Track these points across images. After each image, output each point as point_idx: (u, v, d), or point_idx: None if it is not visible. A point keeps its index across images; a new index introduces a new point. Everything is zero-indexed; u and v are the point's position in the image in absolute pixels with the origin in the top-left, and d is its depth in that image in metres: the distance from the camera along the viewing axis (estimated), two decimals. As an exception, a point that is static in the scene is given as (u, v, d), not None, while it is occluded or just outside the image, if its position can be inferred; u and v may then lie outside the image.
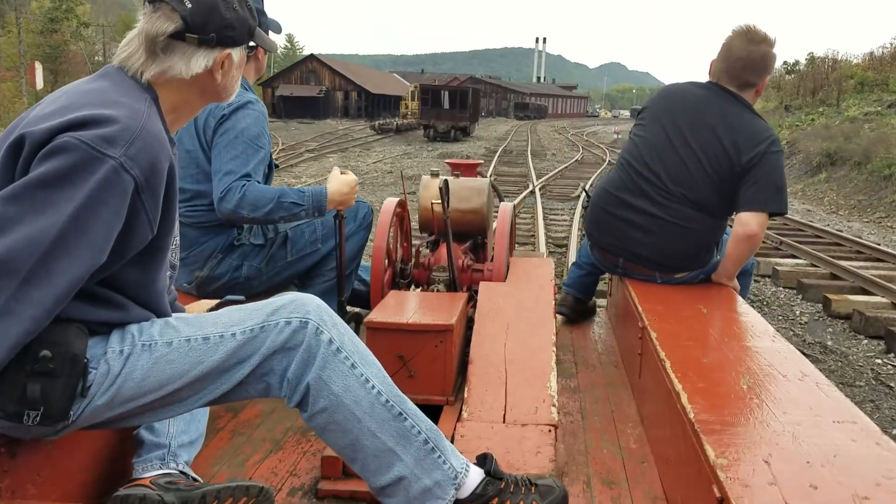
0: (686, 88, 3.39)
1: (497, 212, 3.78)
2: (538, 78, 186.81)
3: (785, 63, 37.81)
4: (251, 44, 1.80)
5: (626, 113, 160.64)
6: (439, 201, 3.18)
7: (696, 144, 3.19)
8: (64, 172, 1.43)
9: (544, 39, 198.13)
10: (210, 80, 1.71)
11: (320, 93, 73.87)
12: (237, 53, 1.75)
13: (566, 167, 23.07)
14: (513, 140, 39.59)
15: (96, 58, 50.49)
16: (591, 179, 18.52)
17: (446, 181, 3.14)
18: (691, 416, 1.87)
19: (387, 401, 1.71)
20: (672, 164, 3.25)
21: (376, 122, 46.44)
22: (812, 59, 35.51)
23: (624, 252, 3.41)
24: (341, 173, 2.99)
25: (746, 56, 3.17)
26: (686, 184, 3.20)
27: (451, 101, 41.21)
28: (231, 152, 2.78)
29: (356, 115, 72.76)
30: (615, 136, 49.52)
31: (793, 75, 36.54)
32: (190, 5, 1.62)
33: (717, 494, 1.53)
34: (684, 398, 1.98)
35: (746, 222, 3.10)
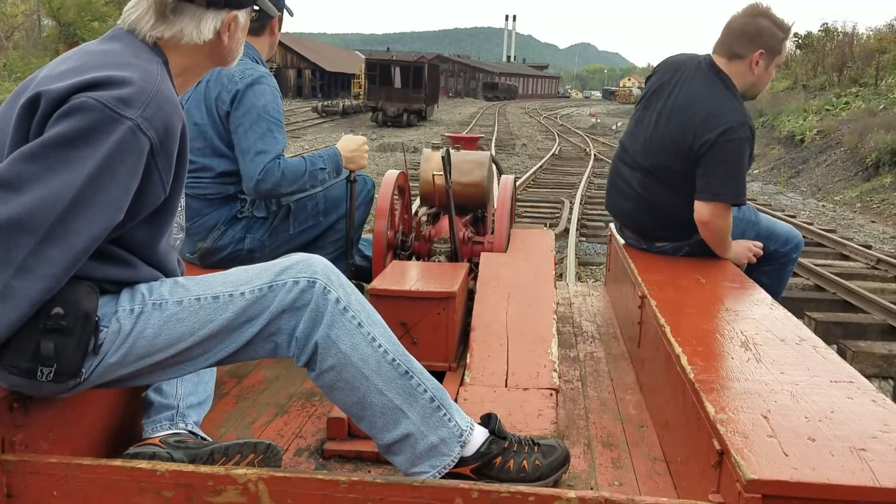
0: (682, 61, 3.38)
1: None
2: (508, 57, 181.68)
3: (795, 36, 30.84)
4: (255, 7, 1.82)
5: (598, 94, 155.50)
6: (440, 173, 3.20)
7: (666, 121, 3.23)
8: (82, 132, 1.46)
9: (514, 17, 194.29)
10: (218, 42, 1.73)
11: (270, 70, 69.47)
12: (243, 16, 1.77)
13: (541, 167, 18.32)
14: (477, 126, 33.98)
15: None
16: (580, 190, 13.57)
17: (448, 150, 3.16)
18: (691, 376, 1.91)
19: (393, 359, 1.74)
20: (644, 139, 3.33)
21: (319, 104, 40.79)
22: (827, 31, 30.13)
23: (617, 215, 3.57)
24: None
25: (739, 27, 3.16)
26: (653, 159, 3.28)
27: (404, 78, 35.01)
28: (257, 131, 2.82)
29: (310, 95, 66.77)
30: (592, 119, 45.52)
31: (804, 49, 30.81)
32: None
33: (717, 447, 1.58)
34: (684, 360, 2.02)
35: (698, 210, 3.12)
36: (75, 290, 1.54)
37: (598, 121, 42.61)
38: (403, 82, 34.99)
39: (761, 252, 3.31)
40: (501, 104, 73.07)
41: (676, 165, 3.19)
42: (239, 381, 2.65)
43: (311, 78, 71.66)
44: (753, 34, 3.14)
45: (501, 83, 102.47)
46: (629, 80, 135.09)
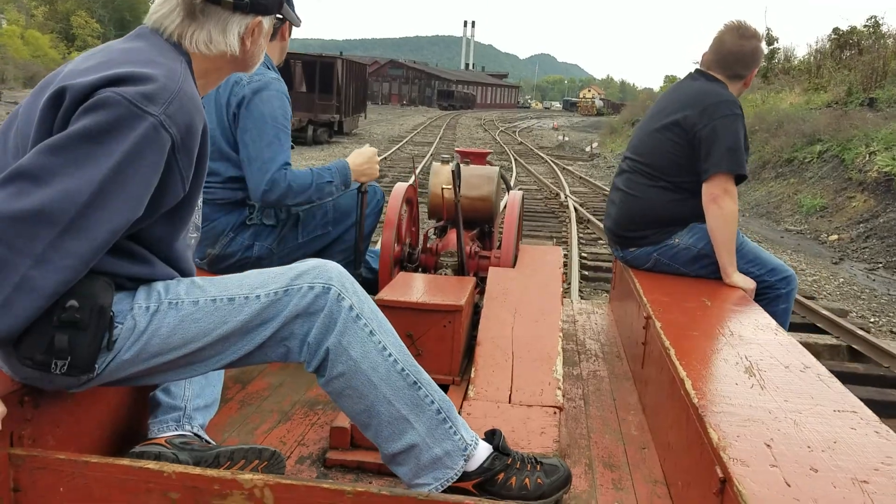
0: (680, 82, 3.60)
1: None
2: (467, 65, 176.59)
3: (836, 33, 24.75)
4: (278, 15, 1.85)
5: (558, 105, 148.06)
6: (450, 187, 3.21)
7: (659, 114, 3.43)
8: (105, 127, 1.47)
9: (473, 23, 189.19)
10: (241, 47, 1.76)
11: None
12: (267, 22, 1.80)
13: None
14: (410, 144, 27.62)
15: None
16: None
17: (458, 165, 3.17)
18: (695, 401, 1.92)
19: (402, 369, 1.76)
20: (639, 139, 3.52)
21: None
22: (876, 26, 23.45)
23: (605, 224, 3.69)
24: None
25: (738, 50, 3.34)
26: (645, 153, 3.43)
27: (308, 79, 26.49)
28: (265, 138, 2.80)
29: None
30: (557, 135, 38.35)
31: (848, 50, 24.03)
32: None
33: (720, 475, 1.59)
34: (688, 384, 2.03)
35: (706, 188, 3.22)
36: (92, 285, 1.55)
37: (566, 138, 35.59)
38: (308, 84, 26.57)
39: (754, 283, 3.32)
40: (456, 114, 68.05)
41: (667, 155, 3.32)
42: (243, 387, 2.66)
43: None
44: (755, 58, 3.35)
45: (458, 91, 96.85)
46: (589, 91, 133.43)
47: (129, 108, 1.49)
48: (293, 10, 2.92)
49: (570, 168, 21.95)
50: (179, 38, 1.69)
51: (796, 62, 28.03)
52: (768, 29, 29.90)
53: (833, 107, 19.07)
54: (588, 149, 28.81)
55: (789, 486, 1.51)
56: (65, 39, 68.67)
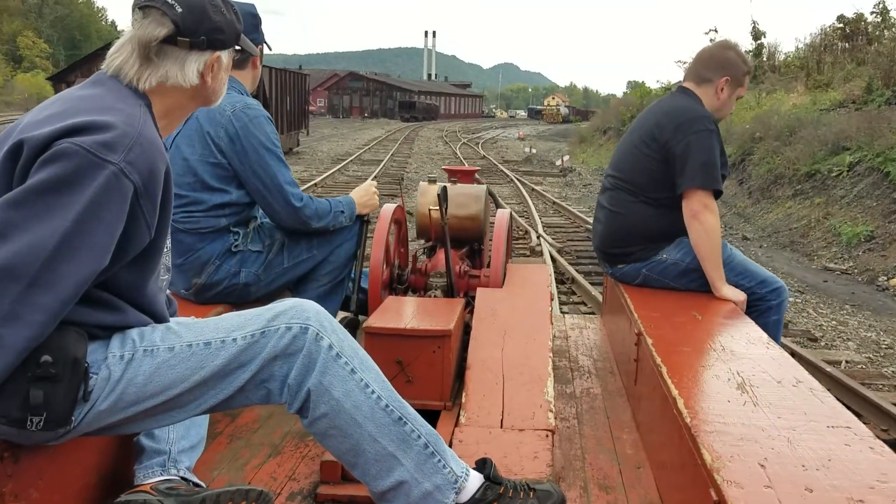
0: (660, 98, 3.69)
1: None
2: (429, 75, 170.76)
3: (841, 20, 22.06)
4: (237, 47, 1.84)
5: (523, 113, 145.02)
6: (437, 208, 3.20)
7: (638, 130, 3.47)
8: (65, 178, 1.46)
9: (434, 33, 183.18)
10: (202, 84, 1.75)
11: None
12: (226, 56, 1.79)
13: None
14: (356, 163, 25.12)
15: None
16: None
17: (445, 188, 3.18)
18: (687, 420, 1.90)
19: (387, 405, 1.74)
20: (619, 156, 3.56)
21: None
22: (884, 12, 21.07)
23: (594, 242, 3.73)
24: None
25: (709, 54, 3.45)
26: (625, 170, 3.46)
27: None
28: (273, 164, 2.90)
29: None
30: (524, 146, 34.91)
31: (854, 40, 21.31)
32: (180, 10, 1.66)
33: (714, 497, 1.57)
34: (680, 403, 2.01)
35: (686, 205, 3.25)
36: (64, 337, 1.52)
37: (533, 150, 32.12)
38: None
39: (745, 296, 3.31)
40: (418, 126, 64.27)
41: (646, 171, 3.36)
42: (232, 420, 2.63)
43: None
44: (721, 62, 3.39)
45: (420, 102, 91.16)
46: (553, 98, 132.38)
47: (88, 158, 1.47)
48: (261, 35, 2.97)
49: (540, 188, 18.71)
50: (138, 83, 1.68)
51: (789, 57, 25.13)
52: (754, 22, 26.79)
53: (849, 107, 16.22)
54: (559, 162, 25.88)
55: None
56: (11, 61, 67.18)
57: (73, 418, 1.57)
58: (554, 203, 15.64)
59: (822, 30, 23.09)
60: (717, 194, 3.27)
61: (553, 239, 11.07)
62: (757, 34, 25.97)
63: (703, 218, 3.21)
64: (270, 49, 3.15)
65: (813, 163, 13.98)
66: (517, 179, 19.96)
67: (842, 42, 22.03)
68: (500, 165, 25.07)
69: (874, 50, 18.43)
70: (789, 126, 15.79)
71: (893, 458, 1.73)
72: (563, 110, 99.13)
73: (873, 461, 1.71)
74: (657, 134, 3.31)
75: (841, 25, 22.18)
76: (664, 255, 3.37)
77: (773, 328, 3.28)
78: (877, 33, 20.85)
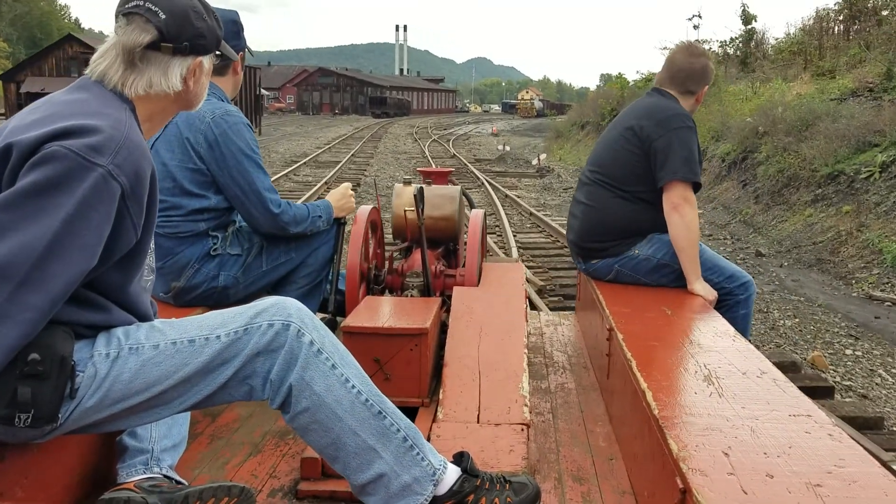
0: (638, 99, 3.78)
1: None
2: (401, 71, 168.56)
3: (846, 2, 19.77)
4: (218, 52, 1.89)
5: (497, 108, 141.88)
6: (412, 209, 3.27)
7: (616, 128, 3.58)
8: (55, 180, 1.50)
9: (405, 28, 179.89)
10: (184, 88, 1.79)
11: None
12: (207, 61, 1.84)
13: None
14: (311, 165, 22.93)
15: None
16: None
17: (421, 189, 3.23)
18: (656, 412, 1.98)
19: (366, 400, 1.79)
20: (598, 152, 3.65)
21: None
22: None
23: (568, 237, 3.81)
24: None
25: (688, 67, 3.51)
26: (605, 164, 3.55)
27: None
28: (251, 171, 2.94)
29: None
30: (498, 146, 31.37)
31: (861, 21, 19.39)
32: (164, 16, 1.70)
33: (680, 485, 1.64)
34: (649, 395, 2.09)
35: (666, 198, 3.34)
36: (51, 335, 1.56)
37: (507, 147, 29.88)
38: None
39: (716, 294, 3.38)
40: (388, 122, 61.09)
41: (626, 166, 3.45)
42: (213, 420, 2.66)
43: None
44: (702, 73, 3.52)
45: (391, 98, 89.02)
46: (527, 92, 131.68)
47: (77, 161, 1.51)
48: (243, 42, 3.02)
49: (515, 194, 16.44)
50: (122, 87, 1.72)
51: (781, 42, 23.14)
52: (744, 5, 24.42)
53: (865, 95, 14.32)
54: (535, 161, 24.07)
55: (746, 493, 1.56)
56: (-31, 61, 64.87)
57: (60, 415, 1.60)
58: (531, 215, 13.14)
59: (818, 12, 21.52)
60: (697, 188, 3.37)
61: (532, 268, 8.60)
62: (747, 18, 24.15)
63: (683, 210, 3.29)
64: (252, 55, 3.19)
65: (835, 162, 11.85)
66: (489, 183, 17.83)
67: (846, 24, 20.18)
68: (470, 166, 22.69)
69: (886, 32, 16.82)
70: (801, 119, 13.71)
71: (851, 444, 1.81)
72: (538, 104, 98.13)
73: (831, 447, 1.78)
74: (638, 130, 3.41)
75: (846, 5, 20.11)
76: (636, 251, 3.45)
77: (742, 321, 3.37)
78: (889, 14, 18.37)
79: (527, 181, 20.37)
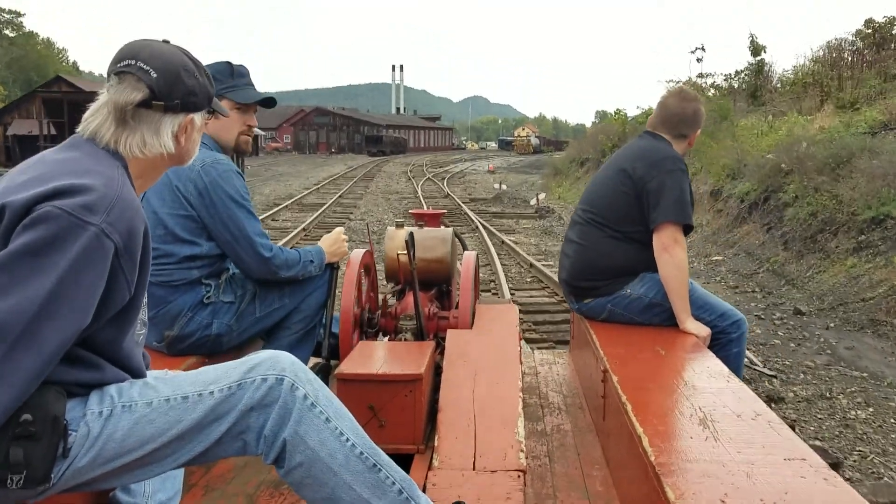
0: (631, 141, 3.83)
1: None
2: (398, 109, 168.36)
3: (869, 25, 19.50)
4: (209, 109, 1.90)
5: (494, 144, 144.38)
6: (405, 252, 3.28)
7: (610, 168, 3.64)
8: (48, 241, 1.51)
9: (401, 67, 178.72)
10: (176, 145, 1.81)
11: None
12: (199, 118, 1.86)
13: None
14: (292, 209, 20.97)
15: None
16: None
17: (412, 234, 3.24)
18: (652, 458, 1.99)
19: (361, 453, 1.79)
20: (591, 191, 3.71)
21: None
22: None
23: (560, 276, 3.81)
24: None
25: (681, 112, 3.57)
26: (598, 204, 3.60)
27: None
28: (241, 217, 2.93)
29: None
30: (495, 184, 29.92)
31: (886, 48, 18.61)
32: (155, 75, 1.73)
33: None
34: (645, 441, 2.10)
35: (656, 239, 3.38)
36: (43, 395, 1.56)
37: (503, 186, 28.52)
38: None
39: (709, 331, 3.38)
40: (383, 160, 60.79)
41: (618, 206, 3.49)
42: (207, 471, 2.64)
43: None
44: (693, 117, 3.59)
45: (387, 136, 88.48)
46: (524, 129, 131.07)
47: (70, 220, 1.52)
48: (246, 89, 3.05)
49: (512, 239, 14.58)
50: (115, 145, 1.73)
51: (798, 73, 20.89)
52: (752, 35, 22.98)
53: None
54: (533, 201, 22.59)
55: None
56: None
57: (52, 475, 1.59)
58: (531, 266, 11.00)
59: (829, 44, 20.30)
60: (688, 230, 3.42)
61: (534, 340, 7.03)
62: (756, 49, 22.56)
63: (673, 251, 3.33)
64: (227, 115, 3.16)
65: (880, 204, 10.17)
66: (484, 226, 15.97)
67: (864, 53, 18.95)
68: (464, 206, 20.88)
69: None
70: (833, 155, 12.03)
71: (846, 488, 1.82)
72: (534, 141, 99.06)
73: (826, 492, 1.80)
74: (631, 171, 3.46)
75: (869, 31, 19.00)
76: (628, 290, 3.48)
77: (735, 360, 3.38)
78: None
79: (525, 223, 18.77)
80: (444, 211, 4.39)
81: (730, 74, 24.37)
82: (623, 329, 3.39)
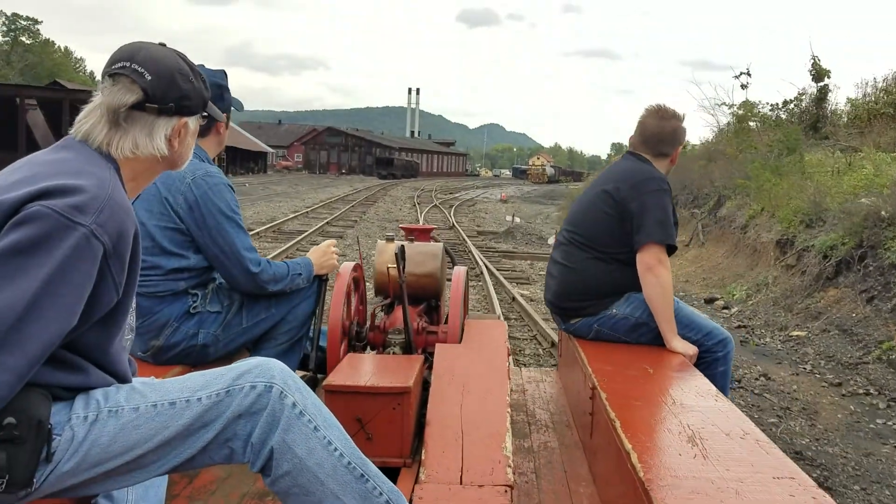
0: (613, 163, 3.93)
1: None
2: (412, 133, 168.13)
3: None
4: (204, 113, 1.88)
5: (508, 172, 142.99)
6: (394, 266, 3.29)
7: (593, 189, 3.66)
8: (36, 240, 1.49)
9: (418, 91, 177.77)
10: (169, 149, 1.79)
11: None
12: (193, 122, 1.84)
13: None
14: (273, 232, 18.55)
15: None
16: None
17: (402, 247, 3.26)
18: (641, 474, 1.98)
19: (349, 462, 1.77)
20: (575, 212, 3.74)
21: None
22: None
23: (546, 296, 3.85)
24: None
25: (659, 131, 3.58)
26: (581, 225, 3.61)
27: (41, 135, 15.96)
28: (231, 231, 2.92)
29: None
30: (507, 217, 27.47)
31: None
32: (150, 77, 1.71)
33: None
34: (634, 457, 2.09)
35: (640, 259, 3.38)
36: (28, 398, 1.53)
37: (516, 219, 26.02)
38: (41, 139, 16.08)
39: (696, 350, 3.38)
40: (391, 184, 58.54)
41: (602, 227, 3.49)
42: (190, 482, 2.62)
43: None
44: (673, 136, 3.59)
45: (399, 159, 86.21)
46: (538, 158, 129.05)
47: (59, 221, 1.50)
48: (227, 102, 3.02)
49: (525, 293, 10.84)
50: (107, 147, 1.71)
51: (869, 102, 17.82)
52: (815, 58, 19.03)
53: None
54: (551, 239, 18.72)
55: None
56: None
57: (35, 480, 1.56)
58: (553, 346, 7.33)
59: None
60: (671, 250, 3.40)
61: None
62: (819, 74, 18.95)
63: (657, 272, 3.32)
64: (241, 110, 3.19)
65: None
66: (490, 272, 12.32)
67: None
68: (469, 241, 17.59)
69: None
70: None
71: None
72: (550, 170, 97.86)
73: None
74: (614, 192, 3.46)
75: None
76: (614, 310, 3.47)
77: (721, 379, 3.35)
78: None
79: (542, 267, 14.01)
80: (435, 226, 4.32)
81: (776, 104, 20.18)
82: (611, 347, 3.40)
